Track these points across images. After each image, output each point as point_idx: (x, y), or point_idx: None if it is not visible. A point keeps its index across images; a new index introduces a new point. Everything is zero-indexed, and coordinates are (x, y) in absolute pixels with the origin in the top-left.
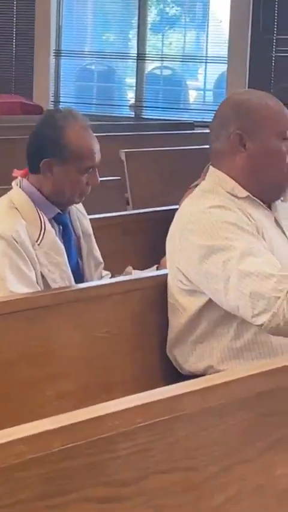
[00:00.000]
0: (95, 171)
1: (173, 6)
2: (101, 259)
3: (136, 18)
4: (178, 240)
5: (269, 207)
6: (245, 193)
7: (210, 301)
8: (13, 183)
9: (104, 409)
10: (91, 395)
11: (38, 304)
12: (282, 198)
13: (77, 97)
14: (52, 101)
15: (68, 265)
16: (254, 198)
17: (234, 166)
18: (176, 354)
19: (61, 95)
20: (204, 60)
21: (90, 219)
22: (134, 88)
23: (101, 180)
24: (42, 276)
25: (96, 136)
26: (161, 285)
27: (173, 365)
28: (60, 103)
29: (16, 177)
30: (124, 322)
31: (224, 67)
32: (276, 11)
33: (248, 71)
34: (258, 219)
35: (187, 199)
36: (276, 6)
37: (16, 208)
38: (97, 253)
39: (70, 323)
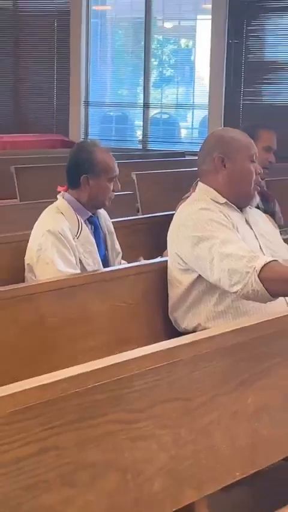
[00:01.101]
0: (117, 180)
1: (168, 69)
2: (119, 250)
3: (142, 77)
4: (176, 233)
5: (241, 211)
6: (224, 200)
7: (199, 276)
8: (58, 196)
9: (124, 357)
10: (114, 348)
11: (75, 283)
12: (250, 206)
13: (100, 135)
14: (83, 138)
15: (98, 254)
16: (231, 204)
17: (217, 181)
18: (176, 316)
19: (89, 134)
20: (191, 107)
21: (111, 222)
22: (142, 128)
23: (117, 195)
24: (80, 261)
25: None
26: (162, 269)
27: (173, 325)
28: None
29: (60, 192)
30: (137, 295)
31: (206, 112)
32: (243, 70)
33: (223, 114)
34: (234, 218)
35: (182, 205)
36: (243, 67)
37: (62, 213)
38: (117, 245)
39: (99, 296)
